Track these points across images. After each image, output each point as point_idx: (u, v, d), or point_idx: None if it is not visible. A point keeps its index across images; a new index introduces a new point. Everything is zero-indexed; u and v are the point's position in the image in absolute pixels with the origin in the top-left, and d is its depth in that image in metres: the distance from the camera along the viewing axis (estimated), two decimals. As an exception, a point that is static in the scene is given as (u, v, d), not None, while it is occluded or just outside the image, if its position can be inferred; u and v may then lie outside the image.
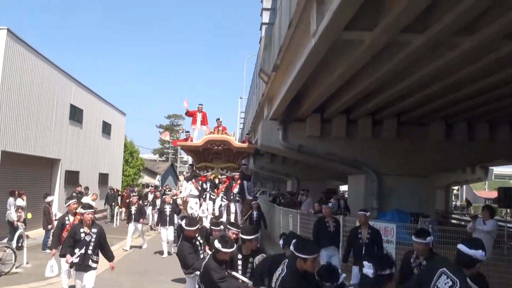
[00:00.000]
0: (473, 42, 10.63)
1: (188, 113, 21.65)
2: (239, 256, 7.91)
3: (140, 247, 19.93)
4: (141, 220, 19.91)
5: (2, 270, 13.34)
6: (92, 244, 9.38)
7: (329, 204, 12.80)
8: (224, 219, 18.39)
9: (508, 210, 48.28)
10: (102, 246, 9.74)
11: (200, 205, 19.31)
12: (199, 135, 20.90)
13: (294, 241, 5.99)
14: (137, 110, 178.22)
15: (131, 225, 19.69)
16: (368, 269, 5.94)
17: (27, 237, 16.17)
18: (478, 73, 13.28)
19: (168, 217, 18.45)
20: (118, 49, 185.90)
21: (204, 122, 21.15)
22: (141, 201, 31.06)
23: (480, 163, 36.85)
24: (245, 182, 19.86)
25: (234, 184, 19.61)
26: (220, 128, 20.32)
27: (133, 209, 19.88)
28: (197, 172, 20.48)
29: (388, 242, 12.37)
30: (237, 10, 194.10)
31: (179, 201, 21.22)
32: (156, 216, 22.46)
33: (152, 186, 40.90)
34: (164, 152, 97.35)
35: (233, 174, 19.90)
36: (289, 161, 36.66)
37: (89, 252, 9.36)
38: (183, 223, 9.26)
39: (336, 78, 14.20)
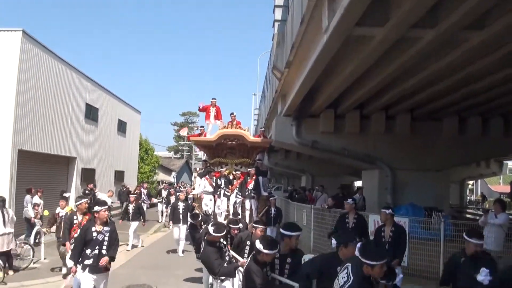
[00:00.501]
0: (482, 37, 10.78)
1: (201, 109, 20.54)
2: (277, 255, 7.17)
3: (136, 246, 19.17)
4: (142, 223, 19.32)
5: (20, 265, 13.63)
6: (105, 243, 8.71)
7: (349, 200, 12.27)
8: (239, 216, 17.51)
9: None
10: (111, 245, 8.93)
11: (215, 201, 18.01)
12: (213, 130, 19.64)
13: (360, 245, 5.39)
14: (152, 108, 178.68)
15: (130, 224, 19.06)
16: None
17: (44, 233, 16.38)
18: (488, 67, 13.43)
19: (181, 215, 17.83)
20: (132, 49, 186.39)
21: (218, 116, 19.90)
22: (153, 199, 31.25)
23: (494, 157, 36.84)
24: (260, 178, 18.42)
25: (249, 180, 18.08)
26: (234, 123, 18.83)
27: (131, 207, 19.18)
28: (211, 168, 19.17)
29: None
30: (250, 6, 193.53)
31: (189, 197, 20.39)
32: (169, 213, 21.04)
33: (165, 183, 40.49)
34: (179, 149, 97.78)
35: (249, 169, 18.37)
36: (303, 157, 36.92)
37: (103, 252, 8.66)
38: (210, 229, 8.43)
39: (348, 74, 14.39)
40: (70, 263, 9.97)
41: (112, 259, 8.96)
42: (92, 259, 8.58)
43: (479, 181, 68.91)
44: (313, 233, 17.66)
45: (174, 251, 17.91)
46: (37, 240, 15.98)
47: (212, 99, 20.03)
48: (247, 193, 17.80)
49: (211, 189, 18.01)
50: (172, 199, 23.56)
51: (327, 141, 22.09)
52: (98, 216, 8.79)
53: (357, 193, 21.54)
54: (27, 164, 20.85)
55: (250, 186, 17.88)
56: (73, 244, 9.88)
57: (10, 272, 12.89)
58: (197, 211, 16.42)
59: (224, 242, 9.05)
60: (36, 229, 16.37)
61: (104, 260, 8.66)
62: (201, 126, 21.16)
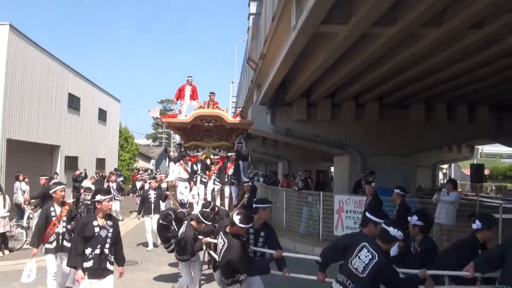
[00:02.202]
0: (441, 33, 11.83)
1: (176, 95, 18.41)
2: None
3: None
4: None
5: (15, 246, 14.66)
6: (109, 240, 7.41)
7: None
8: (218, 203, 15.57)
9: (494, 186, 50.20)
10: (116, 244, 7.70)
11: (190, 189, 16.37)
12: (188, 111, 17.95)
13: None
14: (130, 97, 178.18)
15: None
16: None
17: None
18: (450, 59, 14.55)
19: (153, 205, 16.28)
20: (112, 37, 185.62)
21: (194, 96, 18.10)
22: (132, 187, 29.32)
23: (459, 142, 38.50)
24: (240, 162, 16.85)
25: (228, 164, 16.53)
26: (212, 103, 17.23)
27: None
28: (186, 152, 17.47)
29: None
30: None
31: (163, 186, 18.00)
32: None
33: (141, 170, 37.82)
34: (157, 137, 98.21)
35: (231, 154, 16.72)
36: (280, 143, 37.82)
37: (106, 251, 7.37)
38: (236, 218, 7.02)
39: (317, 66, 15.45)
40: (24, 278, 8.88)
41: (124, 262, 7.95)
42: (92, 261, 7.26)
43: (452, 165, 70.47)
44: (285, 213, 18.71)
45: (146, 244, 16.40)
46: (27, 224, 16.85)
47: (188, 77, 18.38)
48: (226, 179, 16.47)
49: (186, 176, 16.53)
50: (147, 186, 20.38)
51: (301, 128, 23.05)
52: (101, 207, 7.48)
53: (370, 177, 21.27)
54: (15, 152, 21.70)
55: (230, 171, 16.52)
56: (72, 243, 7.84)
57: (6, 252, 13.98)
58: (173, 200, 15.72)
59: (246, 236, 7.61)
60: (28, 213, 17.32)
61: (122, 273, 7.88)
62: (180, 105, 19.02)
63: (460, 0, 10.33)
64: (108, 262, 7.41)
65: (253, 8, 20.99)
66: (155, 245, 16.21)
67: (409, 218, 7.10)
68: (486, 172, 73.80)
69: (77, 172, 24.37)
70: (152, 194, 16.47)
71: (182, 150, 17.81)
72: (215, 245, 8.53)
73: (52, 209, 9.17)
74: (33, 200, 18.17)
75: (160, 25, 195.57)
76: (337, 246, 6.14)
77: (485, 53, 13.70)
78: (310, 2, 10.14)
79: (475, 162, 73.15)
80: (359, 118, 22.87)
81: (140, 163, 57.70)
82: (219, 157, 16.97)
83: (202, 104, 17.22)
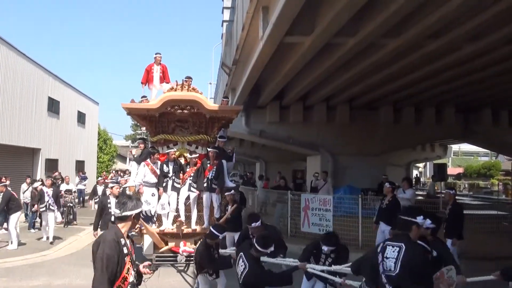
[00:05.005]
0: (400, 42, 12.87)
1: (144, 78, 14.54)
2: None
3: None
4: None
5: (2, 246, 15.25)
6: None
7: (386, 184, 12.84)
8: (194, 216, 12.48)
9: (467, 184, 51.34)
10: None
11: (159, 197, 12.35)
12: (158, 97, 13.44)
13: None
14: (108, 98, 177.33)
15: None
16: None
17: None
18: (412, 65, 15.65)
19: (113, 217, 9.99)
20: (90, 38, 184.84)
21: (164, 78, 14.35)
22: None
23: (427, 142, 39.92)
24: (224, 162, 12.58)
25: (208, 165, 12.24)
26: (187, 87, 12.60)
27: None
28: (154, 148, 13.28)
29: (327, 211, 14.51)
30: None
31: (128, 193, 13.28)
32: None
33: (114, 172, 34.76)
34: (136, 138, 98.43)
35: (209, 150, 12.40)
36: (257, 144, 38.67)
37: None
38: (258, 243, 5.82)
39: (287, 71, 16.38)
40: None
41: None
42: None
43: (427, 164, 71.82)
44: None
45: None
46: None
47: (156, 54, 14.55)
48: (205, 184, 12.19)
49: (154, 180, 12.46)
50: (108, 192, 14.38)
51: (274, 130, 23.99)
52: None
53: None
54: (-3, 155, 22.18)
55: (210, 174, 12.21)
56: None
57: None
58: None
59: None
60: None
61: None
62: (144, 96, 14.58)
63: (414, 14, 11.30)
64: None
65: (226, 15, 21.84)
66: None
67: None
68: (460, 170, 75.77)
69: (55, 174, 24.37)
70: (113, 203, 11.76)
71: (150, 146, 14.02)
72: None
73: (122, 241, 4.96)
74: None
75: (138, 25, 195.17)
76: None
77: (446, 59, 14.69)
78: (274, 16, 11.02)
79: (449, 161, 75.09)
80: (330, 119, 23.84)
81: (119, 165, 58.05)
82: (197, 155, 12.85)
83: (175, 85, 12.82)
